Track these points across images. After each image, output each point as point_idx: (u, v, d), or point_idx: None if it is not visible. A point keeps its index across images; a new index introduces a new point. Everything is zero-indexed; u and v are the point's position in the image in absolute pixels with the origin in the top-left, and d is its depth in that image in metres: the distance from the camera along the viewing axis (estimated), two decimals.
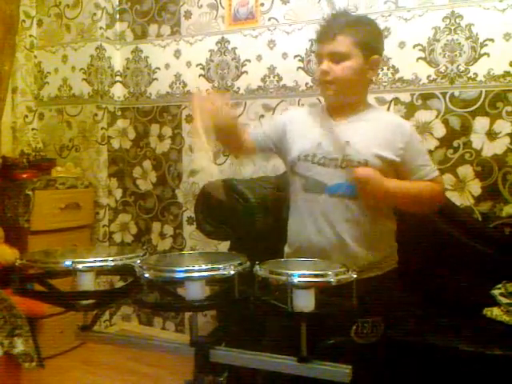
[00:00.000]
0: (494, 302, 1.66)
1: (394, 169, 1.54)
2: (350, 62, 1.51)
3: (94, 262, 1.04)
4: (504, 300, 1.65)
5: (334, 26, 1.54)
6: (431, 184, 1.55)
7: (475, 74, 2.02)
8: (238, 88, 2.50)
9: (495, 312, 1.62)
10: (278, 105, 2.38)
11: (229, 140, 1.64)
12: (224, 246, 2.34)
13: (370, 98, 2.17)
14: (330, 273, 0.97)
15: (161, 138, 2.74)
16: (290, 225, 1.65)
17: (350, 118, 1.58)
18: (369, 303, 1.11)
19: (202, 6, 2.58)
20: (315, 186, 1.54)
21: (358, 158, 1.49)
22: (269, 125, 1.80)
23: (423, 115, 2.11)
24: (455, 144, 2.06)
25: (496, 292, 1.70)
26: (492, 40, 1.99)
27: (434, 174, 1.57)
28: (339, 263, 1.07)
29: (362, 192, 1.45)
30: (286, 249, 1.66)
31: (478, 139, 2.02)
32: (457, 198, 2.04)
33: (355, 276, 0.99)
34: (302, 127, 1.64)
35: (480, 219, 2.02)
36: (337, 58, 1.51)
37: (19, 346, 1.57)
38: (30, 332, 1.62)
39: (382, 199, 1.48)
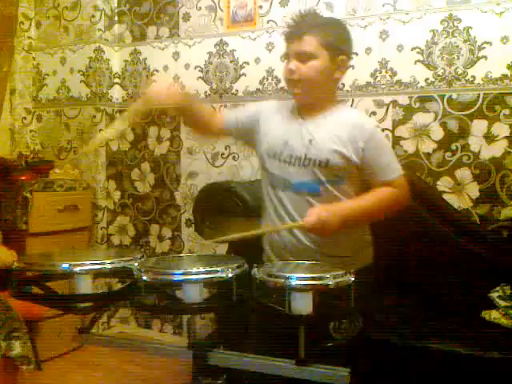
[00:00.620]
0: (493, 305, 1.66)
1: (357, 170, 1.54)
2: (317, 62, 1.54)
3: (92, 264, 1.04)
4: (502, 303, 1.65)
5: (302, 25, 1.56)
6: (389, 190, 1.53)
7: (473, 76, 2.02)
8: (237, 90, 2.51)
9: (493, 315, 1.62)
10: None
11: (194, 120, 1.73)
12: (222, 248, 2.34)
13: (369, 101, 2.20)
14: (327, 276, 0.98)
15: (159, 140, 2.74)
16: (262, 221, 1.67)
17: (317, 116, 1.60)
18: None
19: (200, 8, 2.58)
20: (281, 183, 1.57)
21: (319, 156, 1.52)
22: (243, 111, 1.83)
23: (421, 118, 2.11)
24: (453, 147, 2.06)
25: (494, 295, 1.70)
26: (490, 43, 1.99)
27: (394, 176, 1.55)
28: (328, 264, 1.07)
29: (320, 235, 1.45)
30: (266, 248, 1.68)
31: (475, 142, 2.03)
32: (455, 201, 2.05)
33: (353, 279, 1.00)
34: (272, 123, 1.67)
35: (478, 222, 2.02)
36: (303, 57, 1.54)
37: (17, 348, 1.56)
38: (27, 334, 1.62)
39: (341, 229, 1.44)
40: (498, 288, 1.72)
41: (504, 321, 1.58)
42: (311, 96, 1.59)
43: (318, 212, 1.40)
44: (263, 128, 1.67)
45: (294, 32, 1.57)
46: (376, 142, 1.56)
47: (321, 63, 1.54)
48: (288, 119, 1.65)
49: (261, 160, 1.67)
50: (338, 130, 1.54)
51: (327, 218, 1.39)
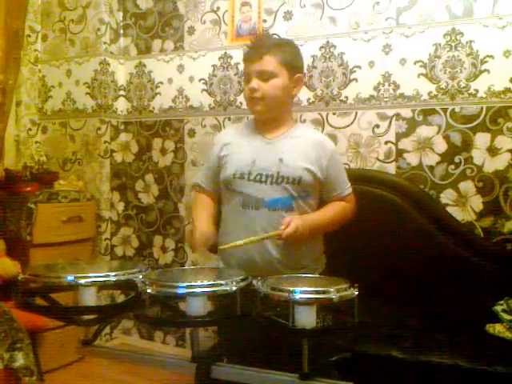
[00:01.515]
0: (497, 319, 1.65)
1: (319, 184, 1.66)
2: (277, 80, 1.64)
3: (97, 277, 1.04)
4: (507, 316, 1.64)
5: (261, 46, 1.66)
6: (343, 205, 1.71)
7: (476, 90, 2.03)
8: (241, 103, 2.52)
9: (498, 328, 1.61)
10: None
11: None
12: None
13: (372, 114, 2.21)
14: (331, 289, 0.98)
15: (163, 151, 2.75)
16: (222, 241, 1.67)
17: (280, 135, 1.69)
18: None
19: (205, 21, 2.61)
20: (253, 202, 1.62)
21: (292, 174, 1.60)
22: (208, 162, 1.86)
23: (424, 131, 2.12)
24: (456, 160, 2.07)
25: (498, 308, 1.69)
26: (492, 57, 2.00)
27: (346, 192, 1.72)
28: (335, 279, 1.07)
29: (291, 242, 1.56)
30: (220, 264, 1.72)
31: (479, 155, 2.03)
32: (458, 214, 2.04)
33: (357, 293, 1.00)
34: (236, 147, 1.72)
35: (481, 235, 2.02)
36: (265, 76, 1.63)
37: (19, 359, 1.56)
38: (30, 346, 1.62)
39: (307, 237, 1.59)
40: (502, 301, 1.71)
41: (508, 334, 1.58)
42: (273, 112, 1.67)
43: (295, 221, 1.50)
44: (226, 155, 1.71)
45: (254, 52, 1.66)
46: (336, 160, 1.71)
47: (281, 81, 1.64)
48: (252, 140, 1.71)
49: (225, 183, 1.70)
50: (305, 149, 1.65)
51: (302, 229, 1.51)
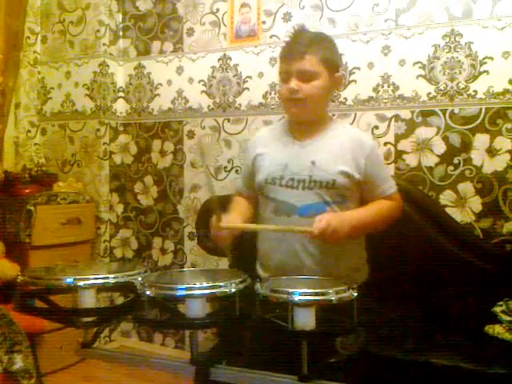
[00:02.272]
0: (496, 320, 1.65)
1: (358, 186, 1.56)
2: (319, 81, 1.55)
3: (96, 279, 1.04)
4: (506, 318, 1.64)
5: (301, 44, 1.56)
6: (389, 203, 1.58)
7: (475, 91, 2.03)
8: (240, 104, 2.52)
9: (497, 330, 1.61)
10: (278, 121, 2.38)
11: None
12: (225, 261, 2.34)
13: (371, 115, 2.21)
14: (330, 291, 0.98)
15: (162, 153, 2.75)
16: (260, 247, 1.64)
17: (314, 136, 1.60)
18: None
19: (204, 23, 2.61)
20: (285, 209, 1.54)
21: (325, 178, 1.51)
22: (244, 166, 1.81)
23: (423, 132, 2.12)
24: (455, 161, 2.07)
25: (498, 309, 1.68)
26: (491, 58, 2.00)
27: (391, 191, 1.60)
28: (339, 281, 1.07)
29: (328, 241, 1.42)
30: (261, 272, 1.64)
31: (478, 156, 2.03)
32: (457, 215, 2.04)
33: (356, 294, 0.99)
34: (268, 150, 1.65)
35: (481, 236, 2.02)
36: (306, 76, 1.53)
37: (18, 362, 1.56)
38: (29, 348, 1.61)
39: (347, 238, 1.45)
40: (501, 302, 1.71)
41: (507, 336, 1.57)
42: (311, 115, 1.60)
43: (328, 218, 1.38)
44: (259, 159, 1.66)
45: (294, 51, 1.56)
46: (375, 157, 1.60)
47: (323, 82, 1.56)
48: (284, 143, 1.64)
49: (259, 189, 1.64)
50: (339, 149, 1.55)
51: (336, 225, 1.38)
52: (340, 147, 1.56)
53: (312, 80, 1.54)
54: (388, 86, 2.18)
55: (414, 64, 2.13)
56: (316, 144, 1.58)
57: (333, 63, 1.59)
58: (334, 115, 2.27)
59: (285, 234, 1.54)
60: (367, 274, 1.65)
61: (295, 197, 1.53)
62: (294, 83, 1.54)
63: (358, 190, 1.57)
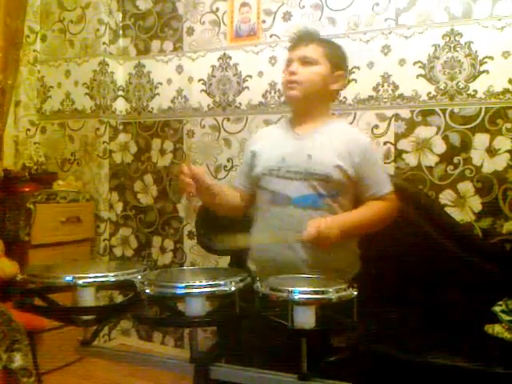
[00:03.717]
0: (496, 319, 1.65)
1: (352, 182, 1.57)
2: (318, 68, 1.61)
3: (95, 277, 1.04)
4: (506, 317, 1.64)
5: (309, 35, 1.66)
6: (382, 204, 1.57)
7: (475, 90, 2.03)
8: (240, 103, 2.52)
9: (497, 329, 1.61)
10: (278, 120, 2.39)
11: (220, 206, 1.69)
12: (224, 260, 2.34)
13: (371, 114, 2.21)
14: (330, 289, 0.98)
15: (162, 152, 2.75)
16: (254, 239, 1.64)
17: (312, 130, 1.62)
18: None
19: (204, 22, 2.61)
20: (281, 199, 1.56)
21: (320, 171, 1.53)
22: (243, 162, 1.82)
23: (423, 131, 2.12)
24: (455, 160, 2.07)
25: (497, 309, 1.69)
26: (491, 57, 2.00)
27: (386, 191, 1.59)
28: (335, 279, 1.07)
29: (318, 246, 1.43)
30: (253, 266, 1.64)
31: (478, 156, 2.03)
32: (457, 214, 2.04)
33: (356, 293, 0.99)
34: (267, 144, 1.69)
35: (480, 235, 2.02)
36: (306, 62, 1.60)
37: (18, 360, 1.56)
38: (29, 346, 1.61)
39: (337, 241, 1.44)
40: (501, 302, 1.71)
41: (507, 335, 1.58)
42: (307, 100, 1.62)
43: (317, 224, 1.39)
44: (258, 153, 1.68)
45: (301, 40, 1.64)
46: (370, 157, 1.60)
47: (321, 70, 1.61)
48: (283, 136, 1.68)
49: (256, 180, 1.66)
50: (335, 145, 1.57)
51: (326, 230, 1.39)
52: (336, 142, 1.58)
53: (312, 66, 1.60)
54: (388, 86, 2.18)
55: (414, 63, 2.13)
56: (313, 137, 1.60)
57: (336, 61, 1.65)
58: (333, 114, 2.28)
59: (278, 227, 1.55)
60: (359, 269, 1.65)
61: (291, 188, 1.55)
62: (294, 66, 1.61)
63: (353, 186, 1.58)
